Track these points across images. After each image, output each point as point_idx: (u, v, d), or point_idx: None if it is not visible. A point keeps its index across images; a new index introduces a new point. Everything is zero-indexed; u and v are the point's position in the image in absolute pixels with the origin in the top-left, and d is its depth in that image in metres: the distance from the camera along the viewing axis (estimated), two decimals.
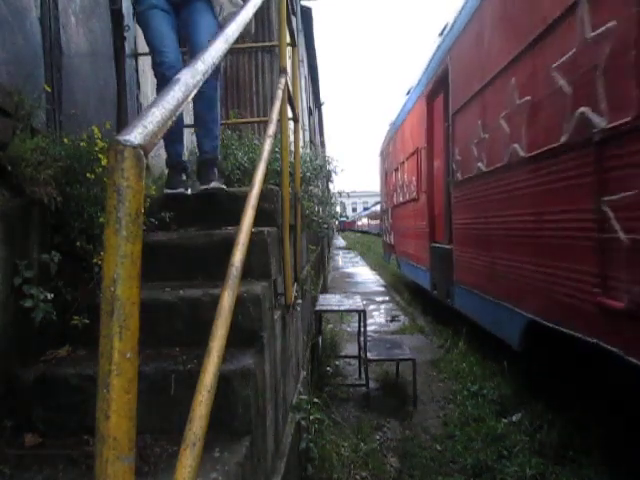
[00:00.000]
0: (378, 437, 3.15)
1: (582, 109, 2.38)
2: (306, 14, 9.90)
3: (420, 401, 3.74)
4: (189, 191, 2.31)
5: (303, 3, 9.61)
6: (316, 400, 2.49)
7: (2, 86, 1.48)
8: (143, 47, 2.68)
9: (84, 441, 1.27)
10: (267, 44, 5.28)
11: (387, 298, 8.93)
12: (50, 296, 1.42)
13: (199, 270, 1.88)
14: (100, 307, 0.48)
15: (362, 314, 3.99)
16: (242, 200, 1.25)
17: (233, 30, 1.02)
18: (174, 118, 0.60)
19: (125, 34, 2.61)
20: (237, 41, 1.75)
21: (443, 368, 4.52)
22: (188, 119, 4.30)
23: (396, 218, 9.24)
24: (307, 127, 10.41)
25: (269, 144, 1.60)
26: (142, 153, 0.49)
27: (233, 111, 4.89)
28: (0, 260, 1.34)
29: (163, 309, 1.57)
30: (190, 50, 2.28)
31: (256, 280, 1.79)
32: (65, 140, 1.68)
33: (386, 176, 10.73)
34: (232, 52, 5.20)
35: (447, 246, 5.07)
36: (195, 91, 0.71)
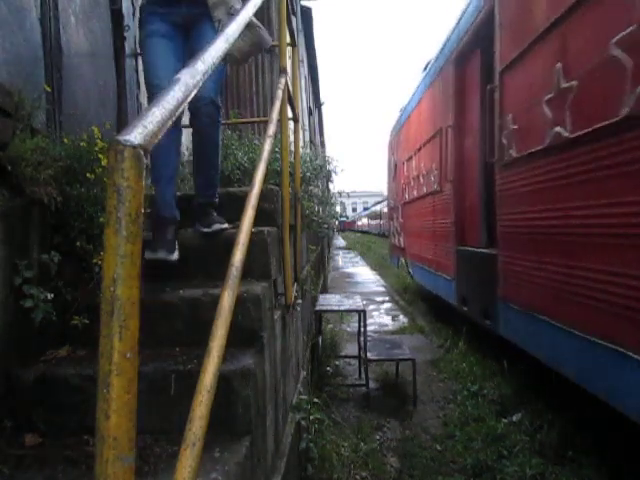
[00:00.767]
0: (378, 437, 3.15)
1: None
2: (306, 14, 9.90)
3: (420, 401, 3.74)
4: (175, 255, 1.80)
5: (303, 3, 9.61)
6: (316, 400, 2.49)
7: (2, 86, 1.48)
8: None
9: (84, 441, 1.27)
10: None
11: (387, 298, 8.93)
12: (50, 296, 1.42)
13: (199, 270, 1.87)
14: (100, 307, 0.48)
15: (362, 314, 4.00)
16: (242, 200, 1.25)
17: (233, 30, 1.02)
18: (174, 118, 0.60)
19: (125, 34, 2.61)
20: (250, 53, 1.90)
21: (443, 368, 4.52)
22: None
23: (408, 216, 7.79)
24: (307, 127, 10.41)
25: (269, 144, 1.60)
26: (142, 153, 0.49)
27: (233, 111, 4.88)
28: (0, 260, 1.34)
29: (163, 309, 1.57)
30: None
31: (256, 280, 1.79)
32: (65, 140, 1.69)
33: (395, 169, 9.19)
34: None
35: (485, 250, 3.93)
36: (195, 91, 0.71)
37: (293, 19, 7.33)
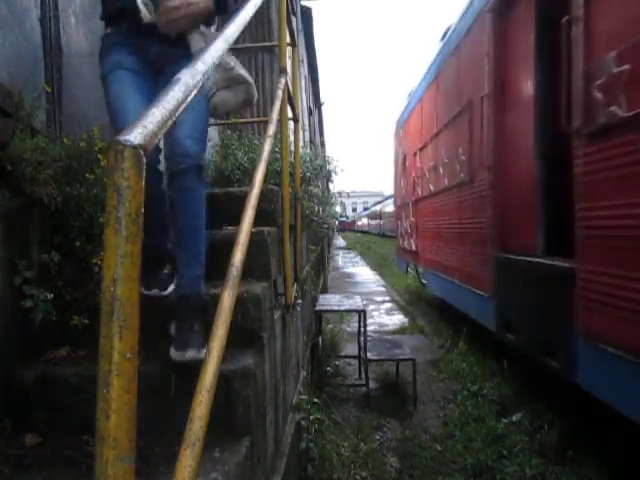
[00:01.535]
0: (378, 437, 3.16)
1: None
2: (306, 14, 9.90)
3: (420, 401, 3.74)
4: (170, 288, 1.61)
5: (303, 3, 9.61)
6: (316, 400, 2.49)
7: (2, 86, 1.48)
8: None
9: (84, 441, 1.27)
10: (267, 44, 5.28)
11: (387, 298, 8.93)
12: (50, 296, 1.42)
13: None
14: (100, 307, 0.48)
15: (362, 314, 4.00)
16: (242, 200, 1.25)
17: (233, 31, 1.02)
18: (174, 118, 0.60)
19: None
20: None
21: (443, 368, 4.52)
22: None
23: (422, 215, 6.59)
24: (307, 127, 10.41)
25: (269, 144, 1.60)
26: (142, 153, 0.49)
27: None
28: (0, 260, 1.34)
29: (163, 309, 1.57)
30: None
31: (256, 280, 1.79)
32: (65, 140, 1.69)
33: (403, 162, 8.05)
34: (232, 52, 5.19)
35: (548, 261, 2.85)
36: (195, 91, 0.71)
37: (293, 19, 7.33)
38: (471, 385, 3.90)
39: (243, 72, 1.69)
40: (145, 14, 1.53)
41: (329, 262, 14.31)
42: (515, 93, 3.54)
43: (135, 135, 0.50)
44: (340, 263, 16.74)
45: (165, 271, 1.64)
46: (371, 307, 7.67)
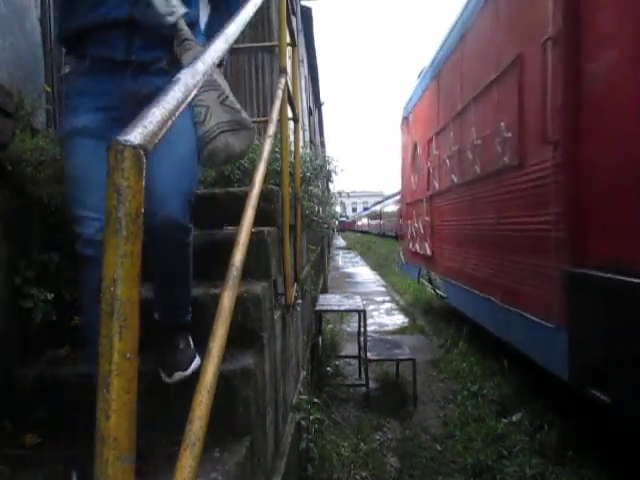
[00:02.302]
0: (378, 437, 3.16)
1: None
2: (306, 14, 9.90)
3: (420, 401, 3.74)
4: (194, 364, 1.32)
5: (303, 3, 9.61)
6: (316, 400, 2.49)
7: (2, 87, 1.48)
8: None
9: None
10: (267, 44, 5.29)
11: (387, 298, 8.93)
12: (50, 296, 1.42)
13: (199, 270, 1.87)
14: (100, 307, 0.48)
15: (362, 314, 3.99)
16: (242, 200, 1.25)
17: (233, 30, 1.01)
18: (174, 118, 0.60)
19: None
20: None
21: (443, 368, 4.53)
22: None
23: (441, 212, 5.39)
24: (307, 127, 10.41)
25: (269, 144, 1.60)
26: (142, 153, 0.49)
27: None
28: (0, 260, 1.34)
29: None
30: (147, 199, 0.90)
31: (256, 280, 1.79)
32: None
33: (414, 152, 6.89)
34: (232, 52, 5.20)
35: None
36: (195, 91, 0.71)
37: (293, 19, 7.33)
38: (471, 385, 3.90)
39: (246, 116, 1.48)
40: (168, 16, 1.30)
41: (329, 262, 14.31)
42: (605, 26, 2.31)
43: (135, 135, 0.50)
44: (340, 263, 16.75)
45: (180, 346, 1.35)
46: (371, 307, 7.67)
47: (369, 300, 8.24)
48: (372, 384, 3.92)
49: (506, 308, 3.34)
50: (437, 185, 5.51)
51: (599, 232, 2.37)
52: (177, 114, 0.62)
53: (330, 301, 4.37)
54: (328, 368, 4.06)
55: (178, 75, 0.70)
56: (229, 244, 1.09)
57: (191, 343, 1.37)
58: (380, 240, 31.95)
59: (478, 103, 3.95)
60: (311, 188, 4.04)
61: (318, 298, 4.56)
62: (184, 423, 0.71)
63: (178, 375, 1.28)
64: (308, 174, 3.79)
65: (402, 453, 2.94)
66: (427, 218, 6.05)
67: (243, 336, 1.53)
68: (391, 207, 36.24)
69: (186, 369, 1.29)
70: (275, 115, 1.78)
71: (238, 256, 1.02)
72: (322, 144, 16.38)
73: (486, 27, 3.85)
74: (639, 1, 2.11)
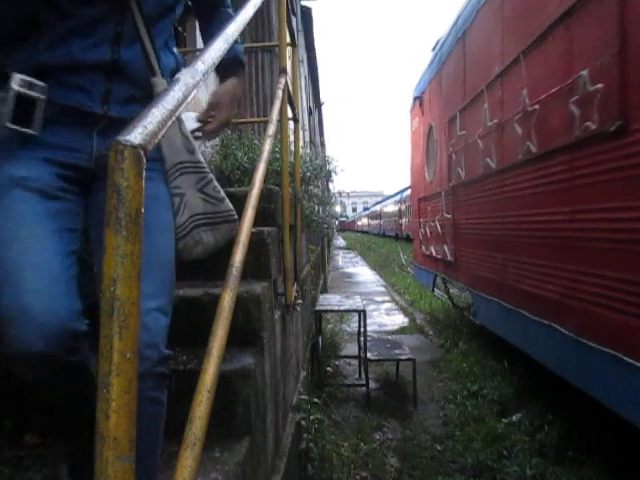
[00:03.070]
0: (378, 437, 3.16)
1: None
2: (306, 14, 9.91)
3: (420, 401, 3.74)
4: None
5: (303, 3, 9.62)
6: (316, 400, 2.50)
7: None
8: None
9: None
10: (267, 44, 5.29)
11: (387, 298, 8.93)
12: None
13: (199, 270, 1.88)
14: (100, 307, 0.48)
15: (362, 314, 3.99)
16: (242, 200, 1.25)
17: (233, 30, 1.01)
18: (174, 118, 0.60)
19: None
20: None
21: (443, 368, 4.53)
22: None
23: (467, 207, 4.31)
24: (307, 127, 10.41)
25: (269, 144, 1.60)
26: (142, 153, 0.49)
27: (233, 111, 4.88)
28: None
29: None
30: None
31: (256, 280, 1.79)
32: None
33: (428, 137, 5.85)
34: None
35: None
36: (195, 91, 0.71)
37: (293, 19, 7.34)
38: (471, 385, 3.90)
39: (229, 205, 1.24)
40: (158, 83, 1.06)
41: (329, 262, 14.32)
42: None
43: (135, 135, 0.50)
44: (340, 263, 16.75)
45: None
46: (371, 307, 7.68)
47: (369, 300, 8.24)
48: (372, 384, 3.92)
49: (584, 343, 2.32)
50: (463, 174, 4.36)
51: None
52: (177, 114, 0.62)
53: (330, 301, 4.37)
54: (328, 368, 4.07)
55: (178, 75, 0.70)
56: (229, 244, 1.10)
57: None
58: (380, 240, 31.97)
59: (534, 54, 2.93)
60: (311, 188, 4.04)
61: (318, 298, 4.56)
62: (184, 423, 0.71)
63: None
64: (308, 174, 3.79)
65: (402, 453, 2.94)
66: (447, 215, 4.95)
67: (243, 336, 1.53)
68: (391, 207, 36.32)
69: None
70: (275, 115, 1.78)
71: (238, 256, 1.02)
72: (322, 144, 16.38)
73: None
74: None
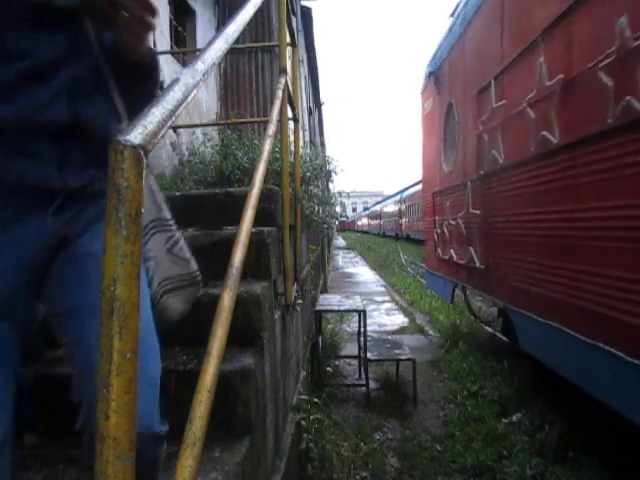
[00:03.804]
0: (378, 437, 3.16)
1: None
2: (306, 14, 9.91)
3: (420, 401, 3.74)
4: None
5: (303, 3, 9.62)
6: (316, 400, 2.50)
7: None
8: None
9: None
10: (267, 44, 5.29)
11: (387, 298, 8.93)
12: None
13: (199, 270, 1.87)
14: (100, 307, 0.48)
15: (362, 314, 3.99)
16: (242, 200, 1.25)
17: (233, 30, 1.01)
18: (174, 118, 0.60)
19: None
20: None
21: (443, 368, 4.53)
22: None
23: (502, 202, 3.40)
24: (307, 127, 10.41)
25: (269, 144, 1.60)
26: (142, 153, 0.49)
27: (233, 111, 4.89)
28: None
29: None
30: (69, 350, 0.94)
31: (256, 280, 1.79)
32: None
33: (446, 117, 4.92)
34: (232, 52, 5.22)
35: None
36: (195, 91, 0.70)
37: (293, 19, 7.34)
38: (471, 385, 3.90)
39: (194, 265, 1.13)
40: None
41: (329, 262, 14.31)
42: None
43: (135, 135, 0.50)
44: (340, 263, 16.74)
45: None
46: (371, 307, 7.67)
47: (369, 300, 8.24)
48: (372, 384, 3.92)
49: None
50: (500, 157, 3.36)
51: None
52: (176, 114, 0.62)
53: (330, 301, 4.37)
54: (328, 368, 4.07)
55: (178, 75, 0.70)
56: (229, 244, 1.09)
57: None
58: (380, 240, 31.98)
59: None
60: (311, 188, 4.04)
61: (318, 298, 4.56)
62: (184, 423, 0.71)
63: None
64: (308, 174, 3.80)
65: (402, 453, 2.94)
66: (475, 211, 3.96)
67: (243, 336, 1.53)
68: (391, 207, 36.34)
69: None
70: (275, 115, 1.78)
71: (238, 256, 1.02)
72: (322, 144, 16.39)
73: None
74: None
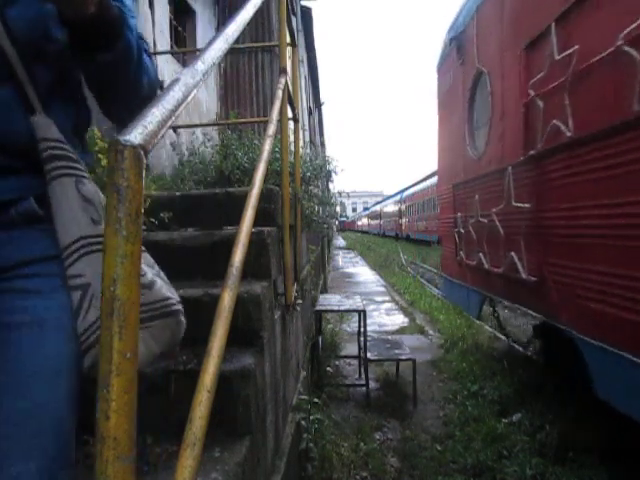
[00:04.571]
0: (378, 437, 3.16)
1: None
2: (306, 14, 9.91)
3: (420, 401, 3.74)
4: None
5: (303, 3, 9.62)
6: (316, 400, 2.50)
7: None
8: None
9: (84, 441, 1.27)
10: (267, 44, 5.29)
11: (387, 298, 8.93)
12: None
13: (199, 270, 1.88)
14: (100, 307, 0.48)
15: (362, 314, 3.99)
16: (242, 200, 1.25)
17: (233, 30, 1.01)
18: (174, 118, 0.60)
19: None
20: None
21: (443, 368, 4.53)
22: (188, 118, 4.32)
23: (579, 190, 2.32)
24: (307, 127, 10.41)
25: (269, 144, 1.60)
26: (142, 153, 0.49)
27: (233, 111, 4.90)
28: None
29: None
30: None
31: (256, 280, 1.79)
32: None
33: (472, 91, 4.14)
34: (232, 52, 5.22)
35: None
36: (195, 91, 0.70)
37: (293, 19, 7.34)
38: (471, 385, 3.90)
39: (167, 291, 0.85)
40: None
41: (329, 262, 14.31)
42: None
43: (135, 135, 0.50)
44: (340, 263, 16.75)
45: None
46: (371, 307, 7.67)
47: (369, 300, 8.24)
48: (372, 384, 3.92)
49: None
50: (567, 128, 2.44)
51: None
52: (176, 114, 0.62)
53: (330, 301, 4.37)
54: (328, 368, 4.07)
55: (178, 75, 0.70)
56: (229, 244, 1.09)
57: None
58: (380, 240, 31.97)
59: None
60: (311, 188, 4.04)
61: (318, 298, 4.56)
62: (184, 423, 0.71)
63: None
64: (308, 174, 3.80)
65: (402, 453, 2.94)
66: (519, 205, 3.03)
67: (243, 336, 1.53)
68: (391, 207, 36.38)
69: None
70: (275, 115, 1.78)
71: (238, 256, 1.02)
72: (322, 144, 16.39)
73: None
74: None
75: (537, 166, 2.82)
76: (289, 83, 2.15)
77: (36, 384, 0.68)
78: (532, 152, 2.83)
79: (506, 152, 3.32)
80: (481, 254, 3.76)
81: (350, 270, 14.30)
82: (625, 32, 1.97)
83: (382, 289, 10.16)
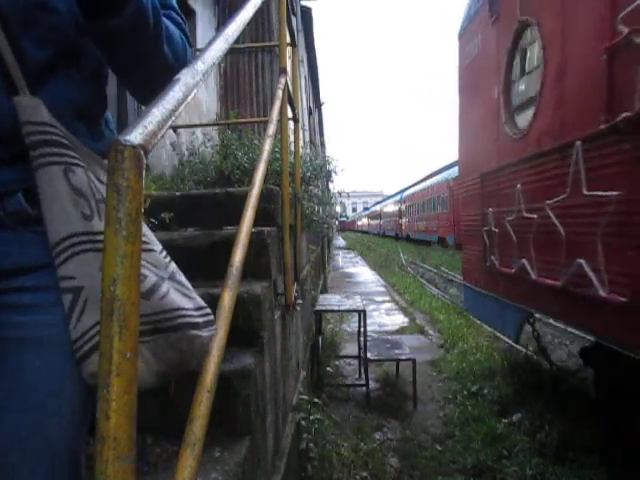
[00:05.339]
0: (378, 437, 3.16)
1: None
2: (306, 14, 9.91)
3: (420, 401, 3.74)
4: None
5: (303, 3, 9.62)
6: (316, 400, 2.50)
7: None
8: None
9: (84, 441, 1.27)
10: (267, 44, 5.29)
11: (387, 298, 8.93)
12: None
13: (199, 270, 1.87)
14: (100, 307, 0.48)
15: (362, 314, 3.99)
16: (242, 200, 1.25)
17: (233, 30, 1.01)
18: (174, 118, 0.60)
19: None
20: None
21: (443, 368, 4.53)
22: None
23: None
24: (307, 127, 10.41)
25: (269, 144, 1.60)
26: (142, 153, 0.49)
27: (233, 111, 4.90)
28: None
29: None
30: None
31: (256, 280, 1.79)
32: None
33: (512, 50, 3.27)
34: (232, 52, 5.22)
35: None
36: (195, 91, 0.70)
37: (293, 19, 7.34)
38: (471, 385, 3.90)
39: (180, 298, 0.77)
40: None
41: (329, 262, 14.31)
42: None
43: (135, 135, 0.50)
44: (340, 263, 16.75)
45: None
46: (371, 307, 7.67)
47: (369, 300, 8.24)
48: (372, 384, 3.92)
49: None
50: None
51: None
52: (176, 114, 0.61)
53: (330, 301, 4.37)
54: (328, 368, 4.07)
55: (178, 75, 0.70)
56: (229, 244, 1.09)
57: None
58: (380, 240, 31.98)
59: None
60: (311, 188, 4.04)
61: (318, 298, 4.56)
62: (184, 423, 0.71)
63: None
64: (308, 174, 3.80)
65: (402, 453, 2.94)
66: (594, 194, 2.22)
67: (243, 336, 1.53)
68: (391, 207, 36.40)
69: None
70: (275, 115, 1.78)
71: (238, 256, 1.02)
72: (322, 144, 16.40)
73: None
74: None
75: (632, 136, 1.95)
76: (289, 83, 2.15)
77: (38, 402, 0.65)
78: (625, 114, 1.94)
79: (570, 123, 2.50)
80: (525, 260, 2.94)
81: (350, 270, 14.30)
82: None
83: (382, 289, 10.16)
